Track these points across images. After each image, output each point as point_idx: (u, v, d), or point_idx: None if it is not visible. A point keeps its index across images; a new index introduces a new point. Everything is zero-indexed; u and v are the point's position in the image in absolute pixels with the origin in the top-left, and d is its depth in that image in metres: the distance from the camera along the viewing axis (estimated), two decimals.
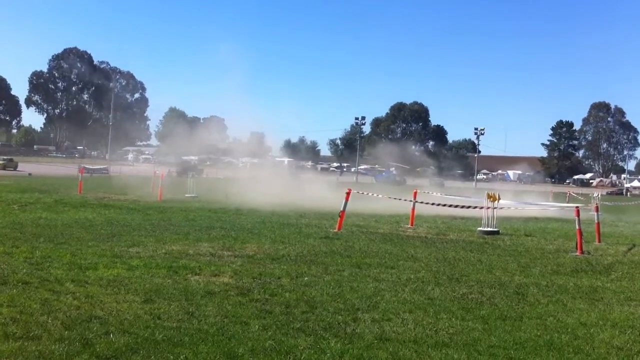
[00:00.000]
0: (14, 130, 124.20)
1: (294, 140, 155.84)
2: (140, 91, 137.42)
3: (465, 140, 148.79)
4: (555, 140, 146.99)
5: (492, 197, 19.06)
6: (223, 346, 5.92)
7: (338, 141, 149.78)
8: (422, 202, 21.69)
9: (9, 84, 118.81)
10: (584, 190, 72.47)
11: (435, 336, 6.67)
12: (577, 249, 14.96)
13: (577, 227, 15.44)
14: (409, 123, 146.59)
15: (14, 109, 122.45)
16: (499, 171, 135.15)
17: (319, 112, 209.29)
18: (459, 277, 10.59)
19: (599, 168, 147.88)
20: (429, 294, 8.93)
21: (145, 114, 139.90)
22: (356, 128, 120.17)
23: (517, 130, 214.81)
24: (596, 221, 17.70)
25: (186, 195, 31.73)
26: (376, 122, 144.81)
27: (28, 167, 55.18)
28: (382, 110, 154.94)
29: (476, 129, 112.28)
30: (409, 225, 19.92)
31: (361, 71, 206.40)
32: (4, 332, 6.03)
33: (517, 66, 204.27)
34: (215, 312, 7.26)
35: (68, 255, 10.74)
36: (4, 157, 69.10)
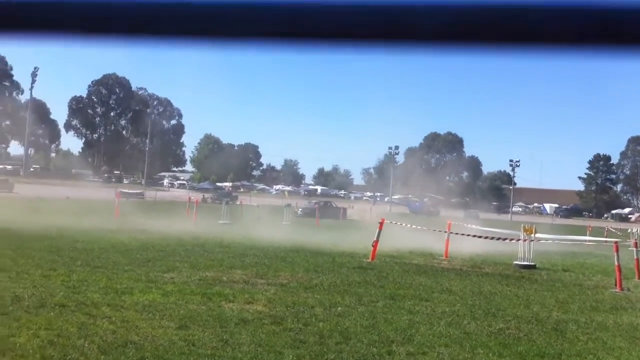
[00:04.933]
0: (53, 154, 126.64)
1: (328, 168, 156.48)
2: (177, 117, 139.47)
3: (500, 171, 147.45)
4: (593, 174, 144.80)
5: (528, 230, 18.81)
6: None
7: (371, 170, 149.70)
8: (456, 234, 21.48)
9: (48, 108, 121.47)
10: (623, 225, 71.02)
11: None
12: (616, 285, 14.64)
13: (615, 262, 15.12)
14: (443, 153, 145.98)
15: (53, 133, 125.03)
16: (535, 204, 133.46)
17: (353, 141, 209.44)
18: (496, 311, 10.42)
19: (638, 203, 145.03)
20: (465, 328, 8.80)
21: (181, 140, 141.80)
22: (390, 157, 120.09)
23: (554, 163, 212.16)
24: (635, 257, 17.32)
25: (220, 221, 31.93)
26: (410, 152, 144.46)
27: (66, 190, 56.19)
28: (416, 140, 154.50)
29: (511, 160, 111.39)
30: (444, 257, 19.73)
31: (395, 101, 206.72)
32: (42, 355, 6.09)
33: (552, 98, 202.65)
34: (249, 340, 7.25)
35: (104, 279, 10.85)
36: None
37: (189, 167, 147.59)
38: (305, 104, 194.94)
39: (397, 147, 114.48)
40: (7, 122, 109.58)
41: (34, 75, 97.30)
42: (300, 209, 51.38)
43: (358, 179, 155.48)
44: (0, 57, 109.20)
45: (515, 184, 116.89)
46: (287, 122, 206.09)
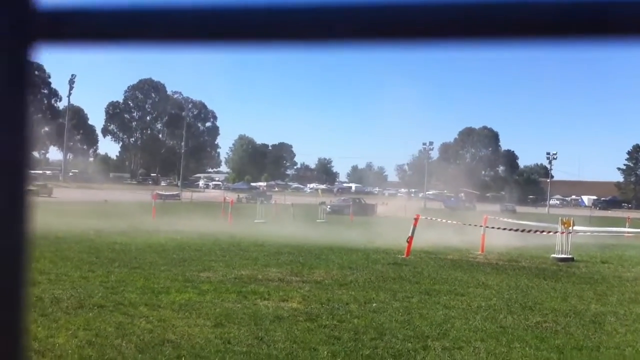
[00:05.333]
0: (91, 159, 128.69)
1: (362, 166, 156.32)
2: (212, 120, 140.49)
3: (537, 165, 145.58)
4: (632, 165, 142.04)
5: (566, 223, 18.55)
6: None
7: (405, 167, 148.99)
8: (492, 228, 21.27)
9: (86, 114, 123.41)
10: None
11: None
12: None
13: None
14: (478, 148, 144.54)
15: (91, 138, 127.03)
16: (573, 196, 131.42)
17: (386, 138, 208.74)
18: (533, 305, 10.31)
19: None
20: (501, 322, 8.72)
21: (216, 142, 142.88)
22: (424, 153, 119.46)
23: (592, 154, 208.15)
24: None
25: (255, 220, 32.13)
26: (444, 147, 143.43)
27: (104, 194, 57.12)
28: (451, 136, 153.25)
29: (548, 153, 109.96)
30: (480, 252, 19.56)
31: (429, 97, 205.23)
32: (80, 355, 6.21)
33: (589, 89, 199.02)
34: (284, 337, 7.29)
35: (141, 279, 11.01)
36: (37, 182, 63.21)
37: (223, 168, 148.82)
38: (339, 102, 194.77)
39: (431, 143, 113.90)
40: (46, 129, 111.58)
41: (71, 82, 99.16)
42: (328, 207, 51.58)
43: (392, 176, 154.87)
44: (38, 66, 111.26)
45: (552, 176, 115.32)
46: (320, 121, 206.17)
